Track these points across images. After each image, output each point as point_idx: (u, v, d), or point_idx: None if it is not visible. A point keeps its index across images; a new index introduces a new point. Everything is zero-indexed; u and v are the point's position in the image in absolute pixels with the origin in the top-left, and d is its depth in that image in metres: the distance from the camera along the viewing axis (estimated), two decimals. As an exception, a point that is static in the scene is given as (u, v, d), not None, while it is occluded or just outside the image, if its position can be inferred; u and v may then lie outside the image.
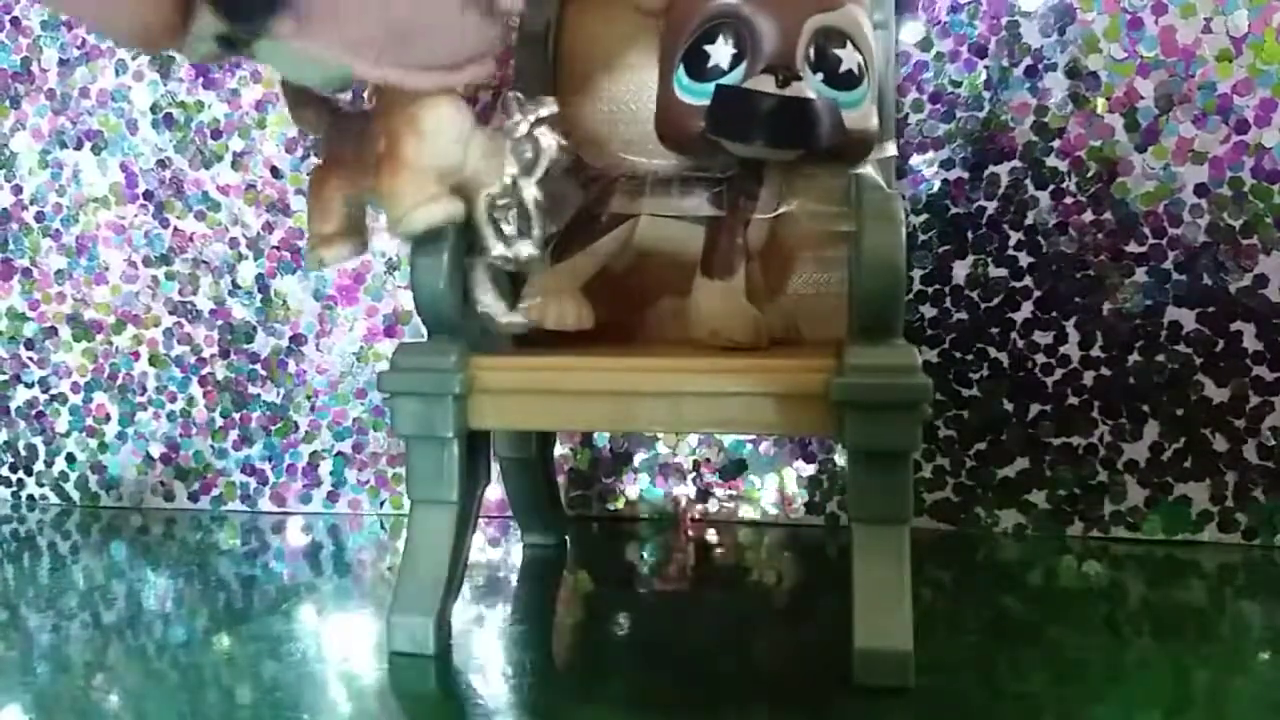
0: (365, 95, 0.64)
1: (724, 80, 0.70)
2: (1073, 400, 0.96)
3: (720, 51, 0.71)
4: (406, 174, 0.55)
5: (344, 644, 0.73)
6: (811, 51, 0.70)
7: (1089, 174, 0.94)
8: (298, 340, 1.09)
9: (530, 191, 0.62)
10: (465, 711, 0.64)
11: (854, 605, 0.62)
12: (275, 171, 1.08)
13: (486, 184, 0.62)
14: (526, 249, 0.64)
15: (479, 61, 0.55)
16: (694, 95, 0.72)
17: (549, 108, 0.62)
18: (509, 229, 0.63)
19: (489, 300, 0.67)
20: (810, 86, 0.69)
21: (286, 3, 0.39)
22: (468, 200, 0.62)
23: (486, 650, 0.73)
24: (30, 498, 1.17)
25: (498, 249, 0.63)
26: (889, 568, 0.62)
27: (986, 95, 0.96)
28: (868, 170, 0.74)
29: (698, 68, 0.72)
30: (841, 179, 0.76)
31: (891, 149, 0.79)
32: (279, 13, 0.40)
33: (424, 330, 0.71)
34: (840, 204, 0.76)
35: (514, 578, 0.91)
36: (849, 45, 0.71)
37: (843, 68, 0.71)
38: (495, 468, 0.87)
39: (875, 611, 0.62)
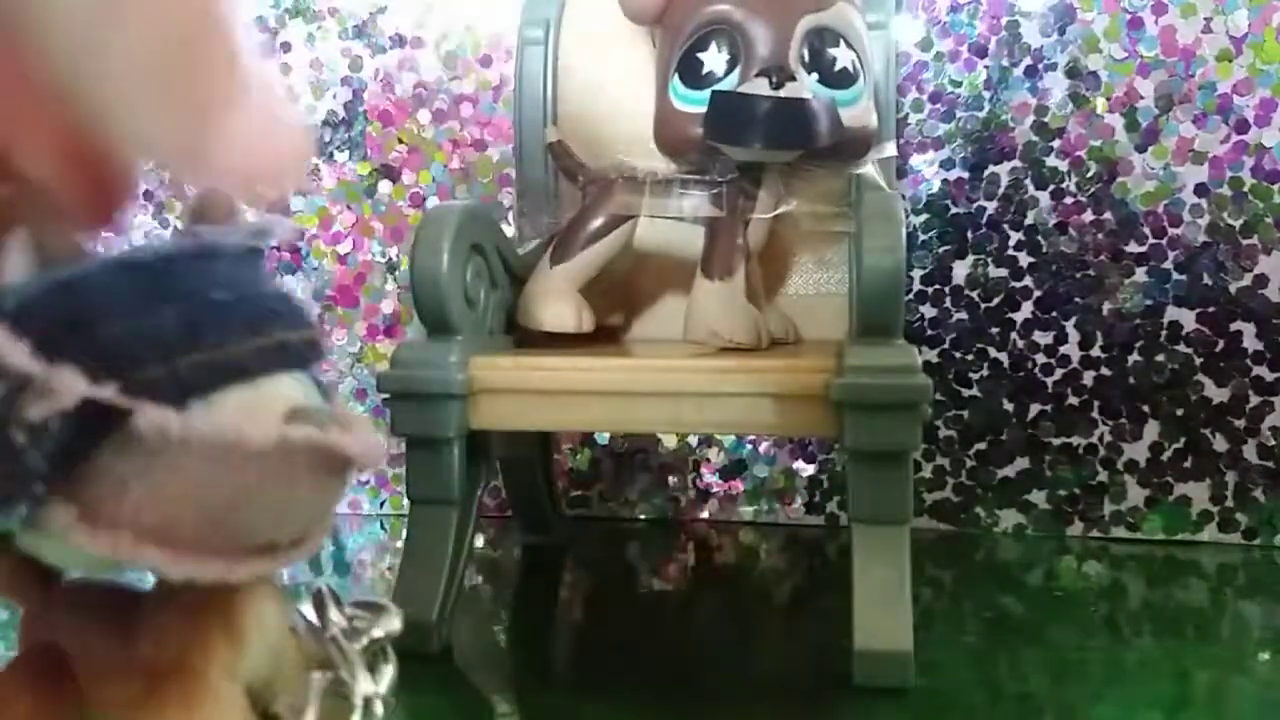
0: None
1: (720, 86, 0.70)
2: (1073, 400, 0.96)
3: (714, 58, 0.71)
4: (208, 697, 0.33)
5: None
6: (805, 52, 0.70)
7: (1089, 174, 0.94)
8: (298, 340, 1.09)
9: None
10: (465, 711, 0.64)
11: (854, 605, 0.62)
12: (275, 172, 1.08)
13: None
14: None
15: (305, 543, 0.34)
16: (690, 103, 0.72)
17: (393, 621, 0.39)
18: None
19: None
20: (806, 87, 0.70)
21: (63, 489, 0.28)
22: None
23: (486, 650, 0.73)
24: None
25: None
26: (889, 568, 0.62)
27: (986, 95, 0.96)
28: (868, 170, 0.74)
29: (692, 75, 0.72)
30: (841, 179, 0.76)
31: (891, 149, 0.79)
32: (52, 500, 0.27)
33: (425, 330, 0.71)
34: (840, 204, 0.76)
35: (514, 578, 0.91)
36: (842, 44, 0.71)
37: (837, 66, 0.71)
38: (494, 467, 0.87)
39: (875, 611, 0.61)
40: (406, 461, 0.70)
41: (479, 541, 0.97)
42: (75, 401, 0.27)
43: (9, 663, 0.36)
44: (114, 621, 0.36)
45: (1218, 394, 0.93)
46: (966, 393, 0.98)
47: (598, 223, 0.77)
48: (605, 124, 0.85)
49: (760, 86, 0.69)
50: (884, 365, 0.62)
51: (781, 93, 0.68)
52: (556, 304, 0.76)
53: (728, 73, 0.71)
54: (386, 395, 0.69)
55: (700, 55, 0.71)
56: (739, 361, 0.68)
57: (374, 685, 0.37)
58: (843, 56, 0.71)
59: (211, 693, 0.33)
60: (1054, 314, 0.96)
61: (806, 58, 0.70)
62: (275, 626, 0.36)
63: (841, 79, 0.71)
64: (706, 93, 0.70)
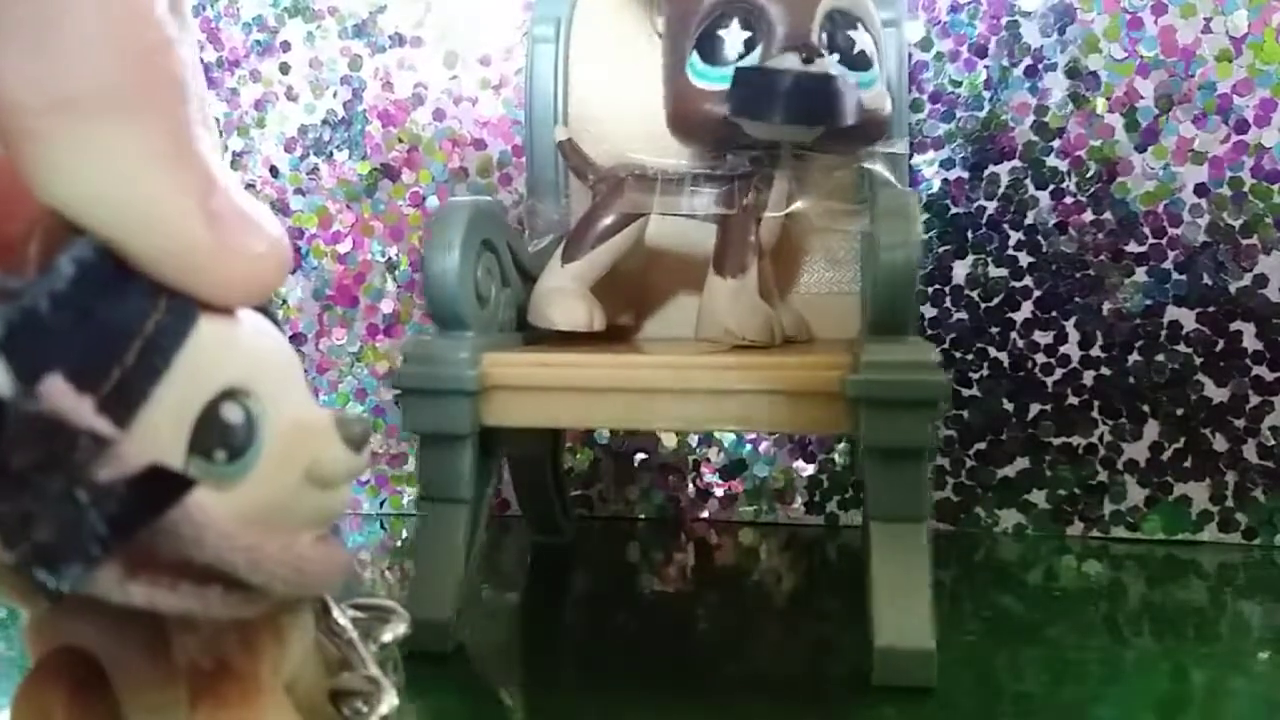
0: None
1: (741, 64, 0.70)
2: (1073, 400, 0.97)
3: (734, 36, 0.70)
4: (267, 698, 0.32)
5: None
6: (824, 35, 0.70)
7: (1089, 174, 0.95)
8: (298, 340, 1.08)
9: None
10: (474, 711, 0.64)
11: (872, 604, 0.62)
12: (274, 171, 1.08)
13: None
14: None
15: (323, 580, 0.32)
16: (710, 79, 0.71)
17: (401, 624, 0.38)
18: None
19: None
20: (833, 65, 0.69)
21: (119, 550, 0.26)
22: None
23: (494, 649, 0.73)
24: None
25: None
26: (909, 565, 0.61)
27: (986, 95, 0.97)
28: (878, 166, 0.74)
29: (712, 53, 0.71)
30: (852, 174, 0.76)
31: (903, 145, 0.79)
32: (106, 563, 0.26)
33: (424, 328, 0.70)
34: (853, 201, 0.76)
35: (521, 577, 0.90)
36: (859, 27, 0.72)
37: (856, 49, 0.71)
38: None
39: (895, 609, 0.61)
40: (419, 459, 0.70)
41: (485, 540, 0.97)
42: (146, 466, 0.26)
43: (37, 664, 0.35)
44: (139, 622, 0.34)
45: (1218, 394, 0.94)
46: (966, 393, 0.98)
47: (608, 221, 0.77)
48: (615, 122, 0.85)
49: (790, 61, 0.68)
50: (901, 361, 0.62)
51: (811, 68, 0.68)
52: (568, 303, 0.76)
53: (747, 52, 0.70)
54: (399, 391, 0.69)
55: (720, 33, 0.71)
56: (752, 359, 0.67)
57: (396, 699, 0.36)
58: (860, 39, 0.71)
59: (270, 692, 0.32)
60: (1054, 314, 0.96)
61: (825, 39, 0.70)
62: (309, 625, 0.36)
63: (860, 61, 0.71)
64: (727, 69, 0.69)
